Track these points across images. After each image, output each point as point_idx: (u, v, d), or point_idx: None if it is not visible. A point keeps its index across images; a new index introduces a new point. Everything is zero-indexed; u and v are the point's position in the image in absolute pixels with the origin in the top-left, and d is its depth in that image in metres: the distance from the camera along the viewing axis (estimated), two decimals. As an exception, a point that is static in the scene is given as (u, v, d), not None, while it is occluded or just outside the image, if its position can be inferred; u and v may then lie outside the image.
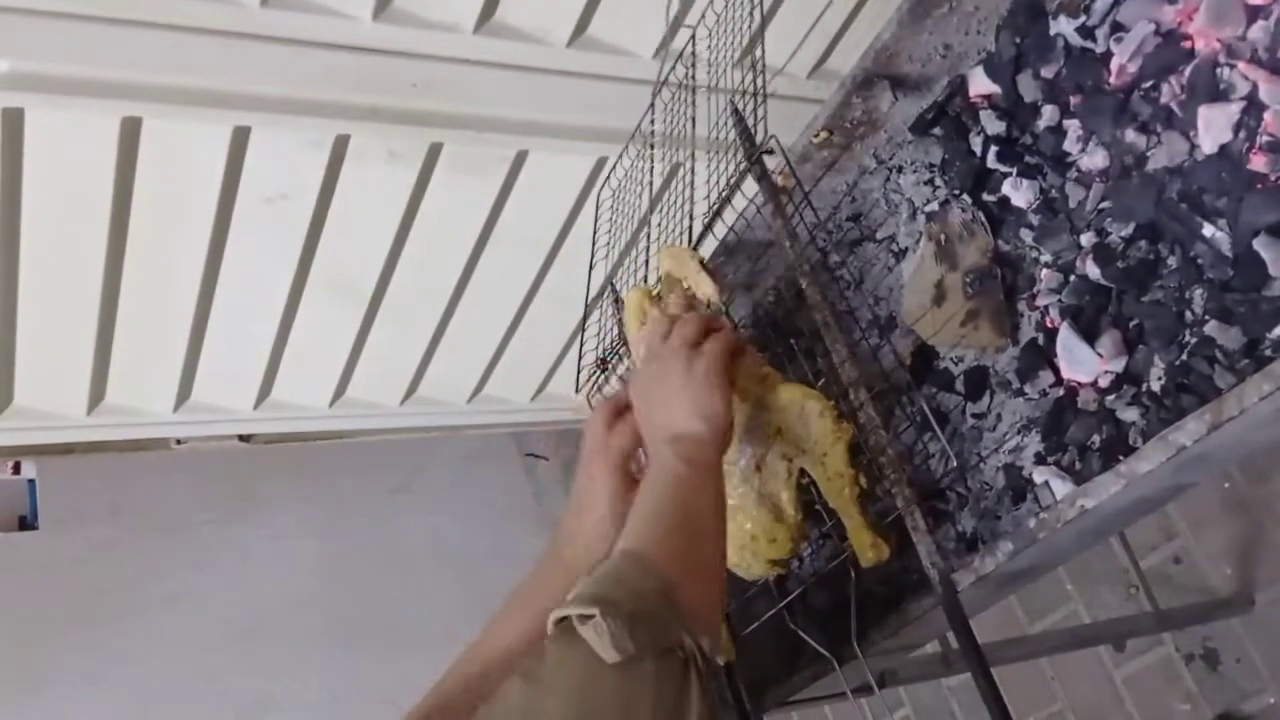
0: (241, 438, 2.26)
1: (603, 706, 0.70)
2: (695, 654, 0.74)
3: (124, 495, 2.93)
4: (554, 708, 0.70)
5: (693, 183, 1.25)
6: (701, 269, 1.16)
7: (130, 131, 1.47)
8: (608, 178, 1.49)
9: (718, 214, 1.19)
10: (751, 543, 1.11)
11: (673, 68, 1.34)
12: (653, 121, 1.38)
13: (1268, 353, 0.86)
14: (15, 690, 2.64)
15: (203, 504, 3.01)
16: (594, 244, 1.46)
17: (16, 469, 2.79)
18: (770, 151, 1.10)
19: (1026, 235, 1.09)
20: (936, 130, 1.22)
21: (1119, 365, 0.97)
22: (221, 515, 3.05)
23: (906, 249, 1.24)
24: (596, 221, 1.47)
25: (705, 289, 1.16)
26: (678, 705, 0.72)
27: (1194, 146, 0.94)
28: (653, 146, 1.37)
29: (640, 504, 0.91)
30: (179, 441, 2.20)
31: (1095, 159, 1.03)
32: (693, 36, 1.33)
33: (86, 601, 2.81)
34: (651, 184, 1.38)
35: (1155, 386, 0.95)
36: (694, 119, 1.28)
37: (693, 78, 1.32)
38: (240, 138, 1.53)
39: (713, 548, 0.90)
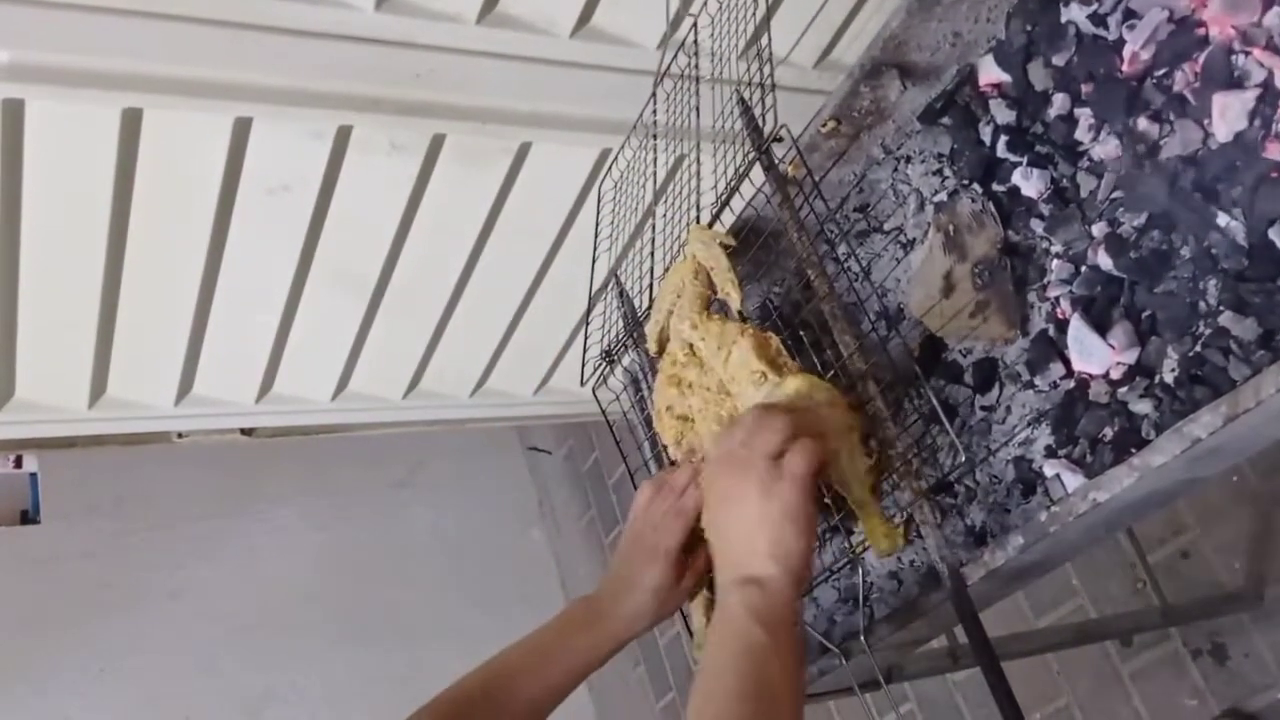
0: (244, 431, 2.26)
1: None
2: None
3: (126, 489, 2.92)
4: None
5: (699, 173, 1.24)
6: (731, 271, 1.16)
7: (131, 123, 1.46)
8: (609, 169, 1.48)
9: (725, 204, 1.19)
10: None
11: (674, 57, 1.33)
12: (654, 112, 1.37)
13: (1284, 344, 0.85)
14: (18, 683, 2.64)
15: (205, 498, 3.00)
16: (596, 236, 1.45)
17: (18, 463, 2.78)
18: (779, 139, 1.09)
19: (1037, 225, 1.07)
20: (945, 120, 1.20)
21: (1131, 357, 0.95)
22: (224, 509, 3.05)
23: (915, 240, 1.23)
24: (599, 213, 1.47)
25: (733, 297, 1.17)
26: None
27: (1208, 135, 0.93)
28: (655, 137, 1.36)
29: (709, 669, 0.87)
30: (181, 435, 2.20)
31: (1107, 148, 1.01)
32: (694, 25, 1.32)
33: (89, 595, 2.80)
34: (655, 175, 1.37)
35: (1168, 378, 0.93)
36: (698, 109, 1.27)
37: (696, 67, 1.31)
38: (242, 129, 1.52)
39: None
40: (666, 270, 1.28)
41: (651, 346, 1.29)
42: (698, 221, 1.25)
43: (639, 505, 1.09)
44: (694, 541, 1.06)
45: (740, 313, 1.19)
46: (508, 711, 1.00)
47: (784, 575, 0.88)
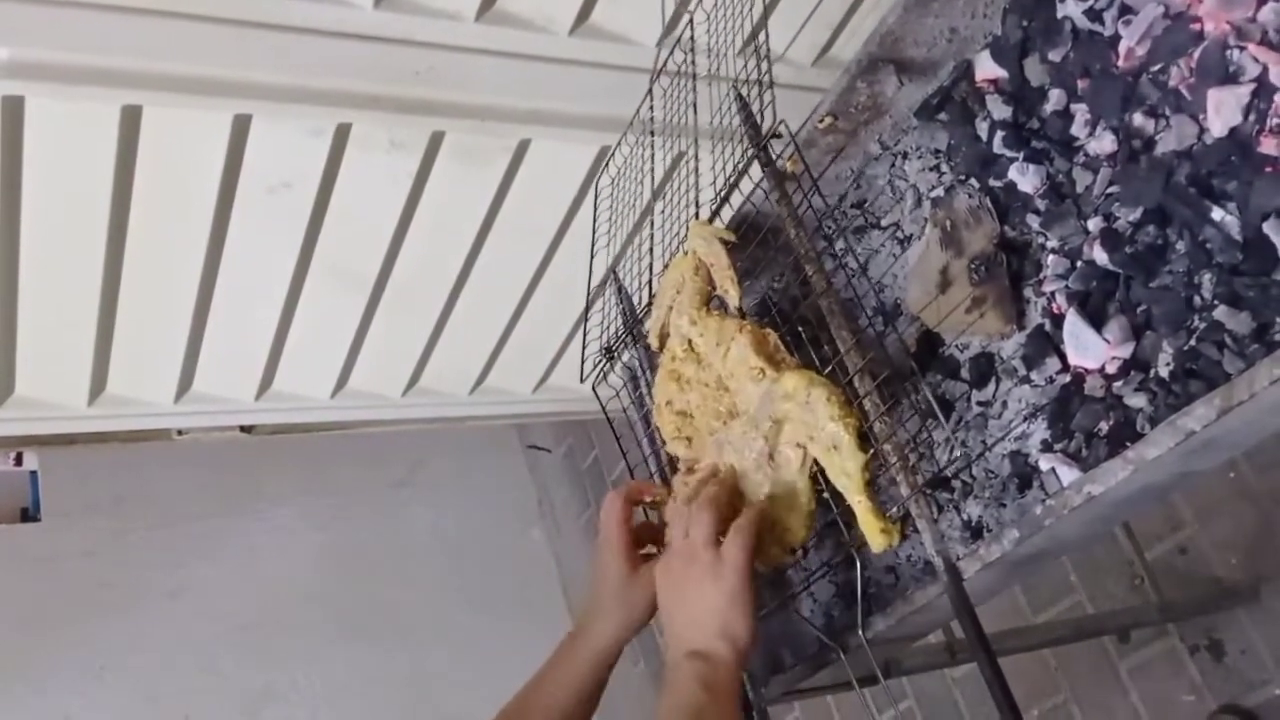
0: (243, 429, 2.26)
1: None
2: None
3: (126, 487, 2.93)
4: None
5: (697, 169, 1.24)
6: (731, 268, 1.17)
7: (131, 120, 1.46)
8: (605, 165, 1.48)
9: (725, 200, 1.19)
10: (769, 532, 1.11)
11: (670, 54, 1.34)
12: (651, 108, 1.37)
13: (1278, 337, 0.86)
14: (18, 682, 2.65)
15: (205, 496, 3.01)
16: (594, 232, 1.45)
17: (19, 460, 2.78)
18: (778, 135, 1.10)
19: (1033, 221, 1.08)
20: (942, 115, 1.21)
21: (1126, 351, 0.96)
22: (224, 507, 3.05)
23: (912, 236, 1.23)
24: (596, 209, 1.47)
25: (730, 294, 1.18)
26: None
27: (1203, 130, 0.93)
28: (653, 133, 1.37)
29: None
30: (180, 433, 2.20)
31: (1103, 143, 1.02)
32: (690, 21, 1.32)
33: (89, 593, 2.81)
34: (653, 171, 1.37)
35: (1163, 372, 0.94)
36: (695, 105, 1.28)
37: (693, 64, 1.31)
38: (241, 126, 1.52)
39: None
40: (666, 266, 1.29)
41: (653, 342, 1.29)
42: (696, 218, 1.26)
43: (606, 520, 1.18)
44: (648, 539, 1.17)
45: (739, 309, 1.19)
46: None
47: (731, 652, 1.00)
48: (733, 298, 1.18)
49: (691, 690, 0.96)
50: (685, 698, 0.97)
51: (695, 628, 1.02)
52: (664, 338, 1.27)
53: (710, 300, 1.22)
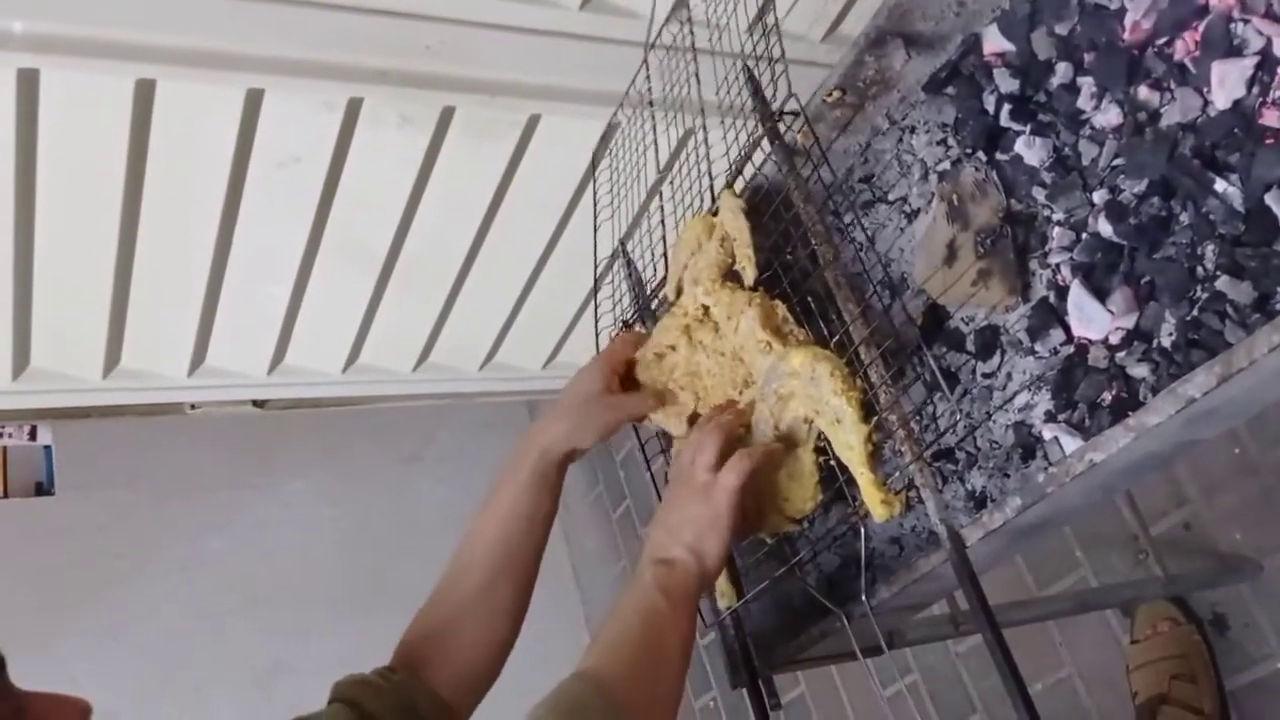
0: (255, 403, 2.28)
1: None
2: None
3: (139, 461, 2.95)
4: None
5: (706, 139, 1.25)
6: (751, 245, 1.18)
7: (144, 94, 1.47)
8: (603, 137, 1.49)
9: (738, 173, 1.20)
10: (772, 499, 1.13)
11: (665, 24, 1.34)
12: (648, 79, 1.38)
13: (1279, 307, 0.87)
14: (33, 652, 2.65)
15: (217, 470, 3.03)
16: (595, 204, 1.46)
17: (33, 435, 2.81)
18: (796, 113, 1.11)
19: (1039, 193, 1.09)
20: (950, 89, 1.21)
21: (1130, 322, 0.97)
22: (236, 481, 3.07)
23: (919, 210, 1.24)
24: (595, 182, 1.48)
25: (747, 271, 1.19)
26: None
27: (1207, 102, 0.94)
28: (651, 104, 1.38)
29: (613, 622, 1.01)
30: (193, 407, 2.22)
31: (1108, 116, 1.03)
32: None
33: (103, 566, 2.83)
34: (655, 145, 1.38)
35: (1166, 343, 0.95)
36: (698, 75, 1.28)
37: (691, 33, 1.31)
38: (254, 100, 1.53)
39: (672, 684, 0.99)
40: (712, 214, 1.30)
41: (670, 292, 1.31)
42: (711, 191, 1.26)
43: (613, 348, 1.30)
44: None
45: (752, 286, 1.20)
46: (482, 556, 1.19)
47: (695, 563, 1.03)
48: (748, 276, 1.19)
49: (652, 595, 1.00)
50: (642, 598, 1.00)
51: (670, 536, 1.05)
52: (680, 290, 1.28)
53: (728, 272, 1.23)
